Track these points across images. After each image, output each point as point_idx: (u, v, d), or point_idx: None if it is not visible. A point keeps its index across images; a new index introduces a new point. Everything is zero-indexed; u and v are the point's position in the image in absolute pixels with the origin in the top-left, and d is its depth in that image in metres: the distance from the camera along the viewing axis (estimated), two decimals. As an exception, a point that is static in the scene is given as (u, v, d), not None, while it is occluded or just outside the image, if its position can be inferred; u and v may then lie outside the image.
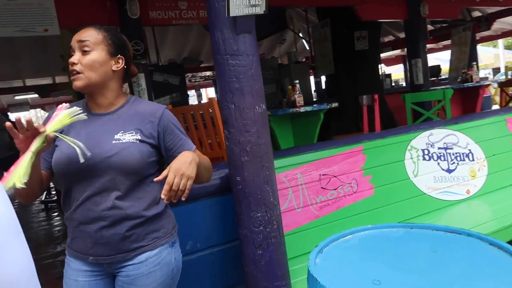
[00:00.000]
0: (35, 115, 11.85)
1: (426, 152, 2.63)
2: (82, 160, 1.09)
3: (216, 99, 2.78)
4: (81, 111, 1.11)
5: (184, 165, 1.14)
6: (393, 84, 10.17)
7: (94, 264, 1.27)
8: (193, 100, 12.14)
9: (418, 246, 1.14)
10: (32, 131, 1.04)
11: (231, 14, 1.50)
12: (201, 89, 11.30)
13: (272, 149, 1.72)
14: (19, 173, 0.98)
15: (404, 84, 10.98)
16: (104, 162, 1.19)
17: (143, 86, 3.67)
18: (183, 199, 1.13)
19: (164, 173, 1.13)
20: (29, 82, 8.92)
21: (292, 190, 2.14)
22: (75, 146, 1.08)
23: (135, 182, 1.24)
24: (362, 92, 4.39)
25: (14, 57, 7.41)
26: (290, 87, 3.46)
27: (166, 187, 1.10)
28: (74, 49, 1.21)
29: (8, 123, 0.99)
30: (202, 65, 9.32)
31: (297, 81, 3.43)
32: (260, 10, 1.55)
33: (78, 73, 1.20)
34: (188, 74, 9.59)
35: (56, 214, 5.51)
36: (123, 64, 1.30)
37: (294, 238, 2.04)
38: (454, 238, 1.16)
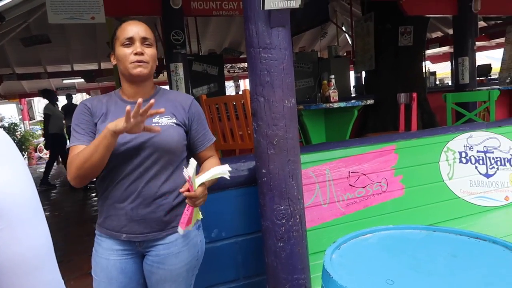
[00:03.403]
0: (80, 99, 12.41)
1: (463, 154, 2.53)
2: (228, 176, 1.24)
3: (249, 91, 2.79)
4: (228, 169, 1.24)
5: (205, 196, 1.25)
6: (437, 82, 9.76)
7: (126, 243, 1.34)
8: (231, 91, 12.24)
9: (438, 249, 1.12)
10: (143, 118, 1.16)
11: (266, 8, 1.51)
12: (239, 80, 11.37)
13: (303, 144, 1.73)
14: (196, 217, 1.27)
15: (450, 83, 10.51)
16: (147, 143, 1.29)
17: (181, 76, 3.76)
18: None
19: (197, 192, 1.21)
20: (77, 67, 9.37)
21: (319, 186, 2.13)
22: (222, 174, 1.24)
23: (171, 164, 1.34)
24: (403, 89, 4.25)
25: (64, 43, 7.80)
26: (325, 81, 3.42)
27: (192, 196, 1.19)
28: (135, 40, 1.31)
29: (128, 107, 1.13)
30: (241, 56, 9.38)
31: (333, 76, 3.38)
32: (295, 4, 1.55)
33: (145, 62, 1.32)
34: (227, 64, 9.67)
35: (94, 194, 5.78)
36: (156, 60, 1.44)
37: (318, 233, 2.04)
38: (478, 244, 1.13)
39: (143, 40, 1.32)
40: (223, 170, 1.22)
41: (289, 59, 1.65)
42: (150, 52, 1.33)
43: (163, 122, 1.33)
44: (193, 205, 1.21)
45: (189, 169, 1.15)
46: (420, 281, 0.97)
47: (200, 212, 1.29)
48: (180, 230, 1.24)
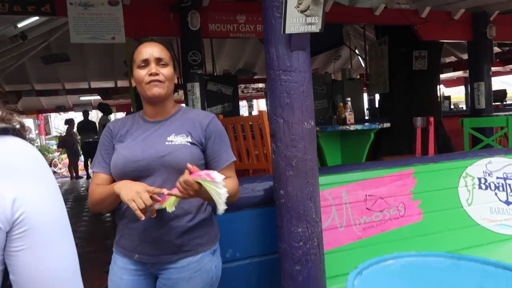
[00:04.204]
0: (96, 116, 12.66)
1: (483, 181, 2.49)
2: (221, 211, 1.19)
3: (266, 112, 2.82)
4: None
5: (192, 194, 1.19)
6: (452, 106, 9.70)
7: (139, 263, 1.34)
8: (244, 110, 12.33)
9: (464, 279, 1.09)
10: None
11: (287, 32, 1.53)
12: (253, 100, 11.46)
13: (319, 166, 1.73)
14: (170, 201, 1.21)
15: (464, 108, 10.43)
16: (157, 162, 1.29)
17: (197, 95, 3.81)
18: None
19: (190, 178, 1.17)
20: (94, 84, 9.57)
21: (335, 208, 2.11)
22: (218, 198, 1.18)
23: None
24: (418, 113, 4.24)
25: (83, 61, 8.00)
26: (341, 104, 3.43)
27: (181, 186, 1.17)
28: (150, 62, 1.33)
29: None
30: (255, 77, 9.48)
31: (349, 99, 3.39)
32: (316, 28, 1.57)
33: (160, 81, 1.33)
34: (241, 85, 9.78)
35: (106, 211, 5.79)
36: (176, 79, 1.45)
37: (334, 257, 2.01)
38: (505, 275, 1.09)
39: (158, 60, 1.33)
40: (221, 193, 1.17)
41: (309, 81, 1.66)
42: (165, 72, 1.34)
43: (177, 141, 1.32)
44: (179, 189, 1.17)
45: (219, 179, 1.14)
46: (447, 311, 0.95)
47: (172, 206, 1.22)
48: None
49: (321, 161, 3.39)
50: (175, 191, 1.18)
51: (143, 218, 1.15)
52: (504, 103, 8.45)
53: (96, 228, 5.00)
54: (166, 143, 1.31)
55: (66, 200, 6.93)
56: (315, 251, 1.63)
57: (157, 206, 1.22)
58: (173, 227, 1.29)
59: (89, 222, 5.27)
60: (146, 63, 1.33)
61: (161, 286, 1.34)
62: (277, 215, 1.69)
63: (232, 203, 1.32)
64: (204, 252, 1.35)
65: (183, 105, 1.50)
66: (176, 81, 1.42)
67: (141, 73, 1.33)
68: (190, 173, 1.17)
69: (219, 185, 1.14)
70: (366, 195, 2.19)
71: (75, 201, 7.02)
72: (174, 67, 1.40)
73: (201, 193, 1.19)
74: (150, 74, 1.31)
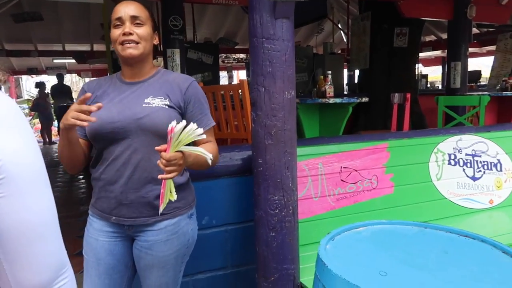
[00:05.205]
0: (70, 80, 12.25)
1: (452, 157, 2.59)
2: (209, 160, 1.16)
3: (247, 81, 2.80)
4: (196, 127, 1.12)
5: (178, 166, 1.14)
6: (428, 85, 9.88)
7: (116, 225, 1.34)
8: (224, 81, 12.20)
9: (430, 245, 1.15)
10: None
11: (272, -2, 1.51)
12: (233, 71, 11.32)
13: (297, 137, 1.75)
14: (167, 194, 1.18)
15: (440, 87, 10.65)
16: (134, 124, 1.26)
17: (177, 62, 3.74)
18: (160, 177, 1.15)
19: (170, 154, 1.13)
20: (68, 47, 9.21)
21: (311, 179, 2.16)
22: (205, 155, 1.15)
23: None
24: (395, 90, 4.31)
25: (57, 22, 7.65)
26: (321, 77, 3.45)
27: (163, 157, 1.11)
28: (125, 21, 1.27)
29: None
30: (236, 47, 9.33)
31: (330, 72, 3.41)
32: (301, -4, 1.55)
33: (135, 42, 1.27)
34: (222, 54, 9.63)
35: (81, 177, 5.73)
36: (157, 39, 1.39)
37: (308, 225, 2.07)
38: (467, 242, 1.16)
39: (133, 19, 1.28)
40: (207, 154, 1.14)
41: (292, 51, 1.65)
42: (141, 32, 1.29)
43: (155, 103, 1.29)
44: (163, 170, 1.12)
45: (175, 125, 1.08)
46: (412, 274, 1.00)
47: (173, 193, 1.19)
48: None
49: (299, 133, 3.42)
50: (165, 176, 1.13)
51: (88, 122, 1.12)
52: (478, 84, 8.66)
53: (70, 194, 4.96)
54: (144, 105, 1.28)
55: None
56: (290, 219, 1.68)
57: (161, 207, 1.19)
58: (150, 190, 1.29)
59: (63, 188, 5.21)
60: (121, 22, 1.28)
61: (138, 248, 1.36)
62: (254, 183, 1.71)
63: (212, 167, 1.33)
64: (181, 215, 1.37)
65: (162, 68, 1.45)
66: (156, 42, 1.38)
67: (115, 33, 1.28)
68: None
69: (188, 130, 1.09)
70: (341, 167, 2.24)
71: (49, 167, 6.85)
72: (152, 26, 1.35)
73: (188, 156, 1.17)
74: (124, 34, 1.27)
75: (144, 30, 1.30)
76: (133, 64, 1.33)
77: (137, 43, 1.28)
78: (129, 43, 1.27)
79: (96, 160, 1.34)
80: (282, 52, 1.61)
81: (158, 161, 1.12)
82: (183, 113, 1.35)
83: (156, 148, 1.13)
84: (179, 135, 1.09)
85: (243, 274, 2.13)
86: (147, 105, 1.28)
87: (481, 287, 0.95)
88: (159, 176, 1.13)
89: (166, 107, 1.29)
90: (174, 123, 1.09)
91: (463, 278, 0.99)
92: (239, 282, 2.14)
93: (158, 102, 1.29)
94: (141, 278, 1.41)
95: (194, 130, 1.09)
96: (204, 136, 1.16)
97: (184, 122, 1.09)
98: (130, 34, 1.27)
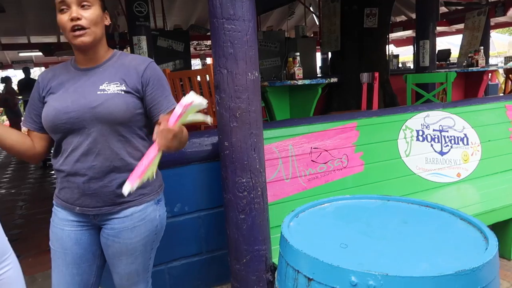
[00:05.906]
0: (38, 74, 11.87)
1: (420, 133, 2.64)
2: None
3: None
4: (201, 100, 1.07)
5: (172, 139, 1.10)
6: (400, 65, 10.02)
7: (80, 215, 1.31)
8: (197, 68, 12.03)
9: (391, 216, 1.17)
10: None
11: (229, -23, 1.48)
12: (206, 58, 11.17)
13: (267, 120, 1.74)
14: (152, 169, 1.12)
15: (412, 66, 10.82)
16: (89, 113, 1.21)
17: (144, 49, 3.65)
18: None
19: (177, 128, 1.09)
20: (34, 39, 8.88)
21: (282, 161, 2.16)
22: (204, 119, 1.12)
23: (124, 136, 1.25)
24: (366, 70, 4.34)
25: (20, 13, 7.35)
26: (290, 59, 3.43)
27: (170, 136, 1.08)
28: (70, 4, 1.18)
29: None
30: (208, 33, 9.20)
31: (298, 54, 3.39)
32: (259, -26, 1.53)
33: (84, 28, 1.19)
34: (194, 41, 9.48)
35: (53, 172, 5.60)
36: (109, 19, 1.32)
37: (280, 207, 2.08)
38: (427, 212, 1.19)
39: (79, 1, 1.18)
40: (207, 118, 1.11)
41: (253, 31, 1.63)
42: (89, 15, 1.19)
43: (110, 89, 1.22)
44: (161, 143, 1.07)
45: (193, 98, 1.02)
46: (372, 245, 1.02)
47: (155, 171, 1.14)
48: (127, 186, 1.09)
49: (270, 116, 3.42)
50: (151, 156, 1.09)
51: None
52: (448, 62, 8.84)
53: (41, 190, 4.85)
54: (98, 92, 1.22)
55: (9, 164, 6.61)
56: (259, 200, 1.68)
57: (138, 181, 1.10)
58: (113, 178, 1.26)
59: (34, 185, 5.09)
60: (66, 5, 1.18)
61: (105, 236, 1.33)
62: (221, 166, 1.70)
63: (179, 150, 1.28)
64: (147, 202, 1.34)
65: (118, 50, 1.37)
66: (107, 22, 1.29)
67: (63, 19, 1.19)
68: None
69: (195, 104, 1.05)
70: (311, 148, 2.25)
71: (19, 163, 6.69)
72: (101, 6, 1.25)
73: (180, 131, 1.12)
74: (72, 19, 1.17)
75: (92, 13, 1.20)
76: (87, 51, 1.26)
77: (87, 28, 1.19)
78: (79, 29, 1.19)
79: (56, 152, 1.30)
80: (243, 33, 1.59)
81: (159, 133, 1.07)
82: (142, 97, 1.29)
83: (162, 118, 1.08)
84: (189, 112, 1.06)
85: (218, 258, 2.14)
86: (102, 92, 1.22)
87: (437, 253, 0.98)
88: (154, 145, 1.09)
89: (122, 93, 1.23)
90: (190, 97, 1.03)
91: (420, 245, 1.01)
92: (214, 266, 2.15)
93: (113, 88, 1.23)
94: (110, 266, 1.39)
95: (200, 103, 1.06)
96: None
97: (197, 96, 1.05)
98: (78, 19, 1.18)
